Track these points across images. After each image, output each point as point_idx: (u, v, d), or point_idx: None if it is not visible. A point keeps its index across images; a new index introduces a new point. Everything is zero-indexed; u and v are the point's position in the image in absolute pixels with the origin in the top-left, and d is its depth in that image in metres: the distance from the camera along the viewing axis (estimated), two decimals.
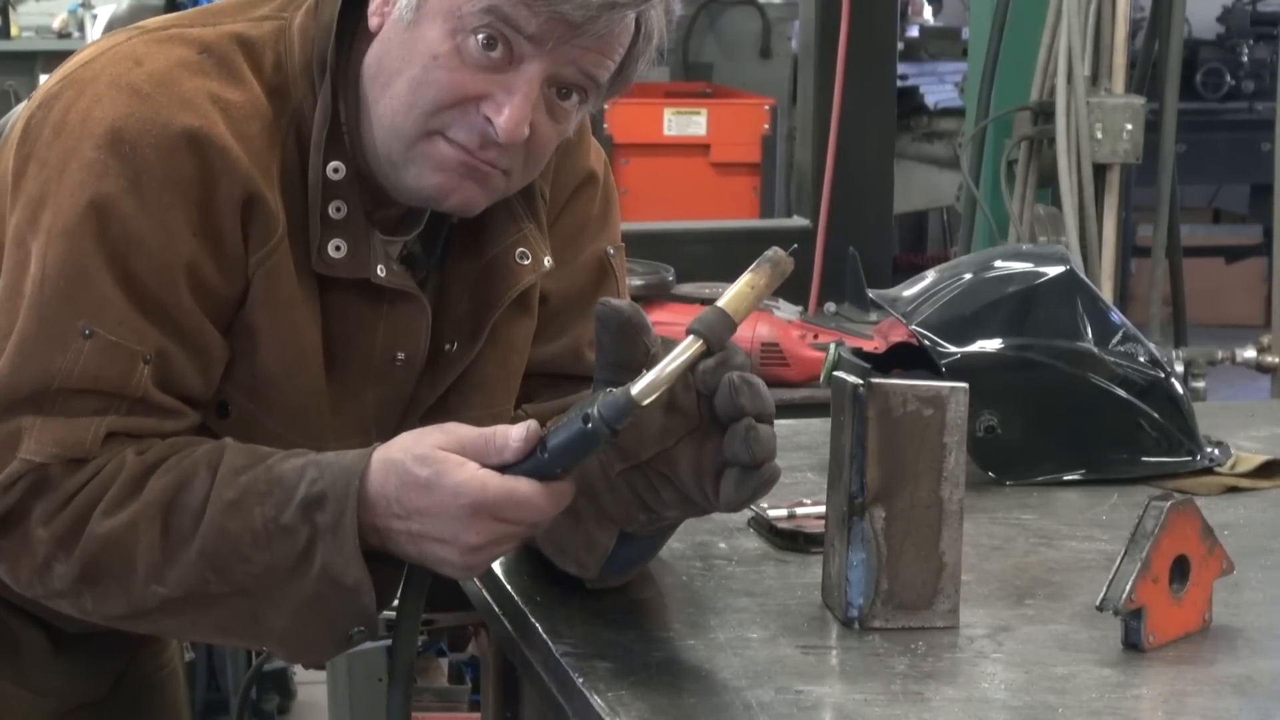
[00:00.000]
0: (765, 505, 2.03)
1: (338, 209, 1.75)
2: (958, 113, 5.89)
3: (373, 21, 1.74)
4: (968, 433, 1.75)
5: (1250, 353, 4.15)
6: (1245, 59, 8.14)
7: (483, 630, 2.13)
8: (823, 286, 4.06)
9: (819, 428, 2.16)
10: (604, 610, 1.79)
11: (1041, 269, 2.32)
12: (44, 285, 1.66)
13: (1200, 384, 4.13)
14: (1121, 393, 2.28)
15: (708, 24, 6.83)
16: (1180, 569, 1.74)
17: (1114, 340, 2.29)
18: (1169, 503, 1.72)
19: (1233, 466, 2.32)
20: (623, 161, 5.08)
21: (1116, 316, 2.33)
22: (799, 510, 2.03)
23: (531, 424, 1.61)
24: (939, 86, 6.92)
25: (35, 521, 1.66)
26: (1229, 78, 8.06)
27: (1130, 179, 4.22)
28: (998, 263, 2.39)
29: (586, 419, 1.57)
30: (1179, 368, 4.00)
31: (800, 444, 2.37)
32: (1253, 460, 2.33)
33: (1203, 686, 1.67)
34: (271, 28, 1.77)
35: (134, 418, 1.69)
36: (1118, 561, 1.71)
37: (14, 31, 8.47)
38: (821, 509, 1.88)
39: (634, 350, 1.61)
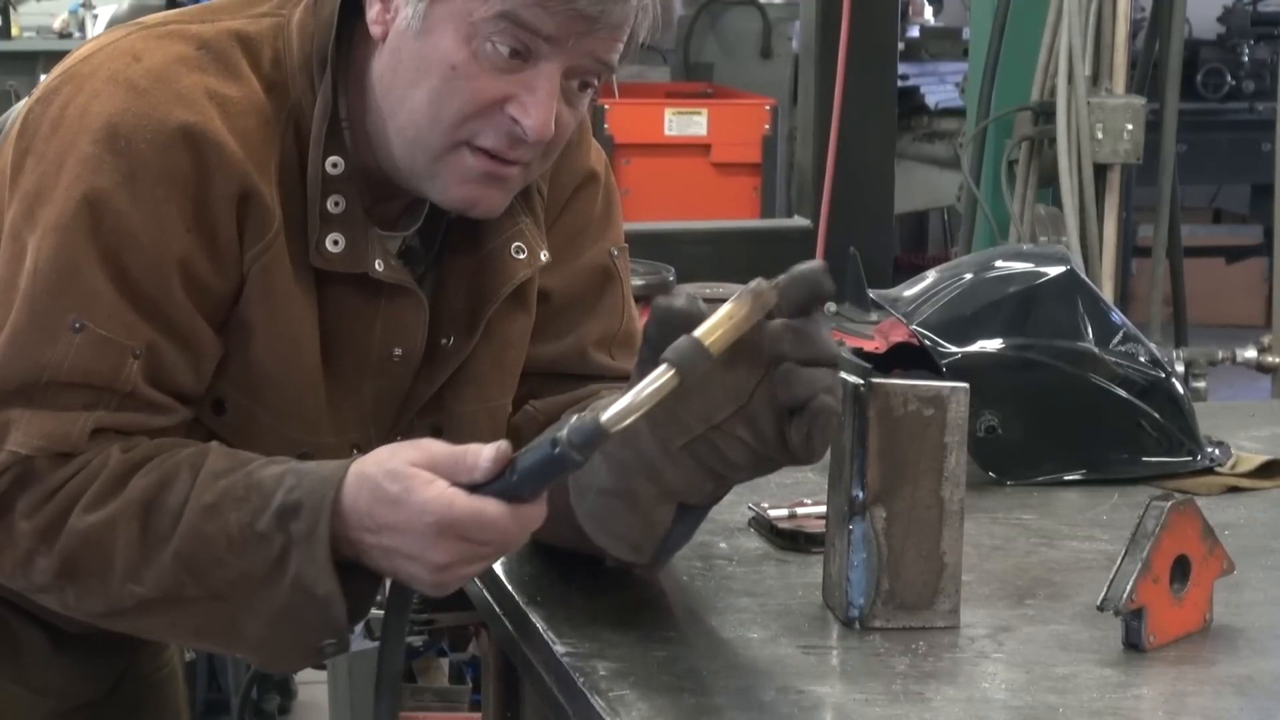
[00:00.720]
0: (766, 505, 2.03)
1: (336, 203, 1.75)
2: (958, 113, 5.90)
3: (374, 30, 1.73)
4: (968, 433, 1.75)
5: (1251, 353, 4.15)
6: (1246, 59, 8.14)
7: (483, 630, 2.13)
8: None
9: None
10: (604, 610, 1.79)
11: (1042, 269, 2.32)
12: (36, 278, 1.67)
13: (1201, 384, 4.13)
14: (1122, 393, 2.28)
15: (708, 24, 6.84)
16: (1181, 569, 1.74)
17: (1114, 340, 2.29)
18: (1170, 503, 1.72)
19: (1233, 466, 2.32)
20: (623, 161, 5.09)
21: (1117, 316, 2.33)
22: (799, 510, 2.03)
23: (502, 444, 1.60)
24: (939, 86, 6.93)
25: (19, 514, 1.66)
26: (1229, 78, 8.06)
27: (1131, 179, 4.22)
28: (998, 263, 2.38)
29: (555, 444, 1.55)
30: (1179, 368, 4.00)
31: None
32: (1253, 460, 2.33)
33: (1203, 686, 1.66)
34: (270, 24, 1.77)
35: (123, 413, 1.69)
36: (1118, 561, 1.71)
37: (14, 31, 8.47)
38: (822, 509, 1.87)
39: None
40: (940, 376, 2.14)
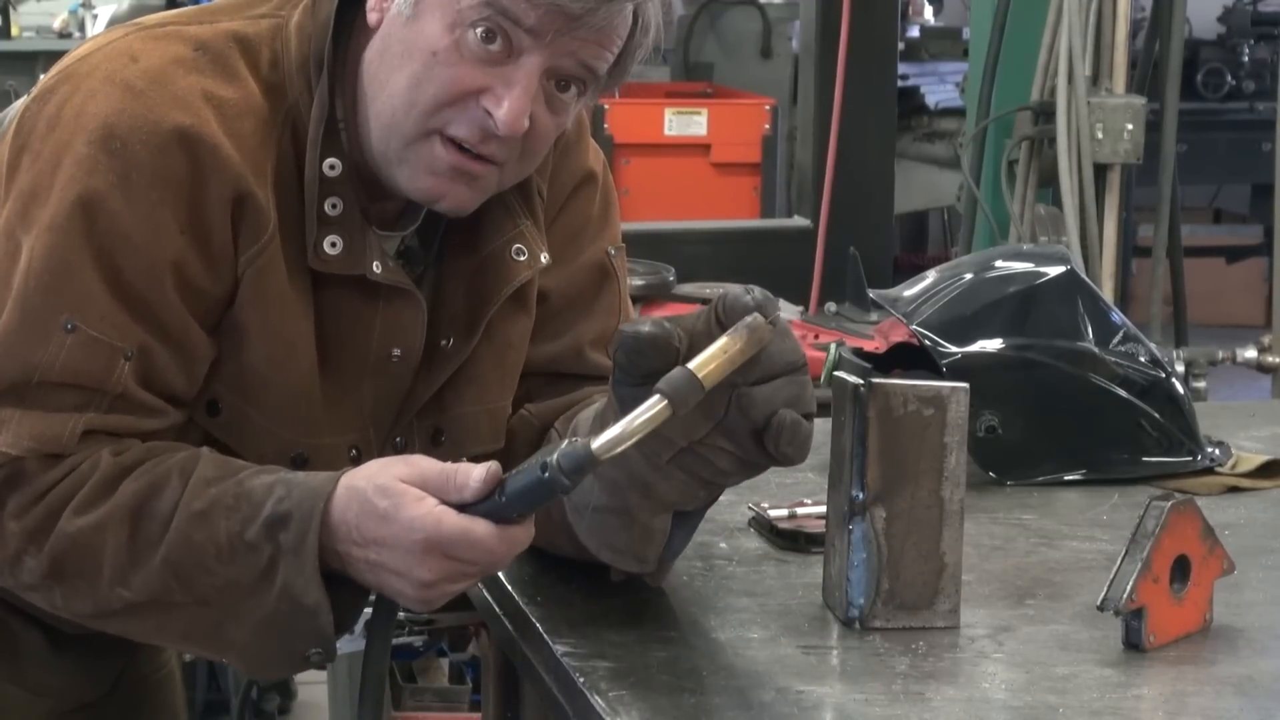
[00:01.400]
0: (766, 505, 2.03)
1: (333, 205, 1.75)
2: (958, 113, 5.90)
3: (371, 17, 1.74)
4: (968, 433, 1.75)
5: (1251, 353, 4.15)
6: (1246, 59, 8.14)
7: (483, 630, 2.13)
8: (823, 286, 4.06)
9: (819, 428, 2.16)
10: (604, 610, 1.79)
11: (1042, 269, 2.32)
12: (29, 278, 1.67)
13: (1201, 384, 4.13)
14: (1122, 393, 2.28)
15: (708, 24, 6.84)
16: (1181, 569, 1.74)
17: (1114, 340, 2.29)
18: (1170, 503, 1.72)
19: (1233, 466, 2.32)
20: (623, 161, 5.09)
21: (1117, 316, 2.33)
22: (799, 510, 2.03)
23: (492, 465, 1.61)
24: (939, 86, 6.93)
25: (8, 514, 1.67)
26: (1230, 78, 8.06)
27: (1131, 179, 4.22)
28: (998, 263, 2.38)
29: (545, 468, 1.56)
30: (1179, 368, 4.00)
31: None
32: (1253, 460, 2.33)
33: (1203, 686, 1.66)
34: (269, 25, 1.77)
35: (113, 415, 1.69)
36: (1118, 561, 1.71)
37: (14, 31, 8.46)
38: (822, 509, 1.87)
39: (661, 363, 1.59)
40: (940, 376, 2.14)
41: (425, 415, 1.86)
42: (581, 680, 1.64)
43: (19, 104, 1.80)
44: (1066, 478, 2.27)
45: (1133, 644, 1.71)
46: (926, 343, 2.25)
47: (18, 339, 1.67)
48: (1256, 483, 2.28)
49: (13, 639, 1.86)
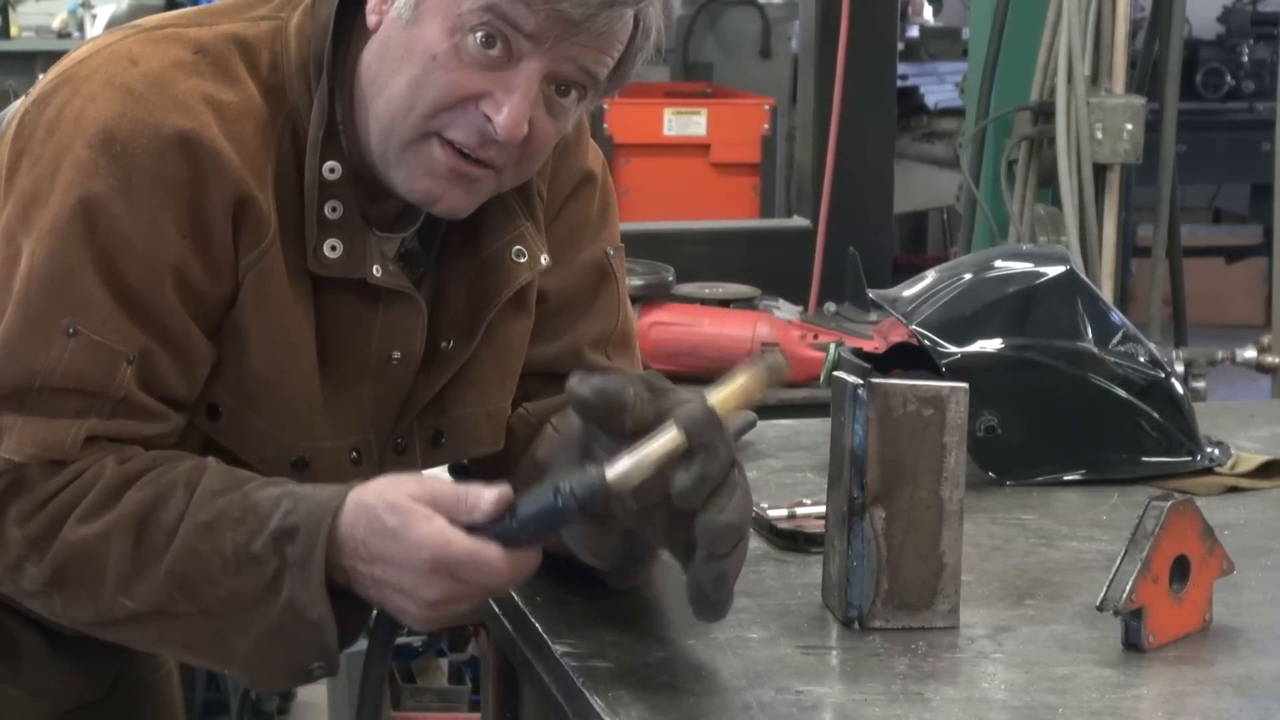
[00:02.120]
0: (766, 505, 2.03)
1: (333, 209, 1.75)
2: (958, 113, 5.90)
3: (371, 19, 1.74)
4: (968, 433, 1.75)
5: (1250, 353, 4.15)
6: (1245, 59, 8.14)
7: (483, 630, 2.13)
8: (823, 286, 4.06)
9: (819, 428, 2.16)
10: (604, 610, 1.79)
11: (1041, 269, 2.32)
12: (30, 282, 1.67)
13: (1200, 384, 4.13)
14: (1121, 393, 2.28)
15: (708, 24, 6.84)
16: (1180, 569, 1.74)
17: (1114, 340, 2.29)
18: (1169, 503, 1.72)
19: (1233, 466, 2.32)
20: (623, 161, 5.08)
21: (1116, 316, 2.33)
22: (799, 510, 2.03)
23: (504, 489, 1.61)
24: (939, 86, 6.93)
25: (10, 521, 1.66)
26: (1229, 78, 8.06)
27: (1130, 179, 4.22)
28: (998, 263, 2.38)
29: (558, 494, 1.56)
30: (1179, 368, 4.00)
31: (800, 444, 2.37)
32: (1253, 460, 2.33)
33: (1203, 687, 1.66)
34: (268, 27, 1.77)
35: (115, 420, 1.68)
36: (1118, 561, 1.71)
37: (14, 31, 8.47)
38: (821, 509, 1.87)
39: (610, 425, 1.60)
40: (940, 376, 2.14)
41: (425, 417, 1.86)
42: (581, 680, 1.64)
43: (16, 106, 1.80)
44: (1066, 478, 2.27)
45: (1132, 644, 1.71)
46: (926, 343, 2.25)
47: (19, 343, 1.66)
48: (1256, 483, 2.28)
49: (11, 640, 1.86)
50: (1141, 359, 2.29)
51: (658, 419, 1.58)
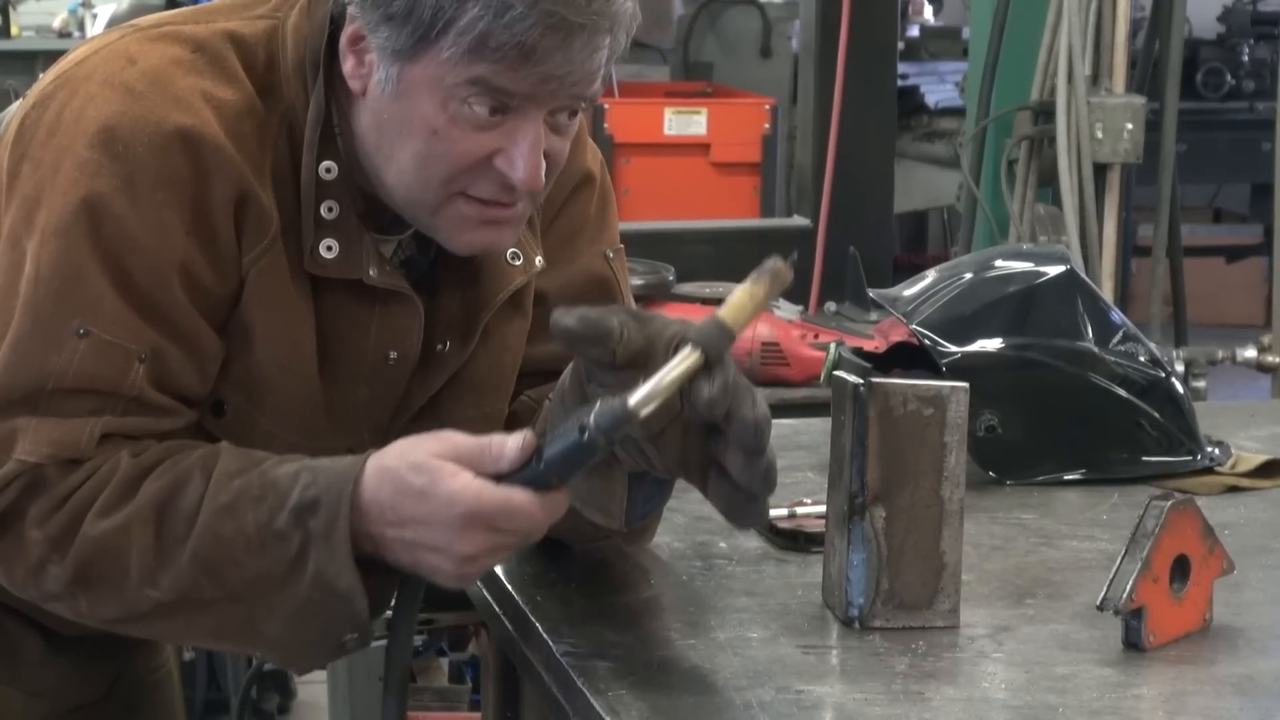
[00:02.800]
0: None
1: (330, 209, 1.75)
2: (958, 112, 5.89)
3: (353, 85, 1.72)
4: (968, 432, 1.75)
5: (1250, 352, 4.15)
6: (1246, 59, 8.14)
7: (483, 630, 2.13)
8: (823, 286, 4.06)
9: (819, 428, 2.16)
10: (604, 610, 1.79)
11: (1042, 269, 2.32)
12: (38, 285, 1.66)
13: (1200, 384, 4.13)
14: (1122, 392, 2.28)
15: (708, 24, 6.83)
16: (1181, 568, 1.74)
17: (1114, 340, 2.29)
18: (1169, 502, 1.72)
19: (1233, 466, 2.32)
20: (623, 161, 5.08)
21: (1117, 316, 2.33)
22: (799, 510, 2.03)
23: (527, 434, 1.60)
24: (939, 86, 6.92)
25: (30, 523, 1.65)
26: (1229, 77, 8.05)
27: (1131, 179, 4.22)
28: (998, 262, 2.38)
29: (583, 430, 1.55)
30: (1179, 367, 4.00)
31: (800, 444, 2.37)
32: (1253, 460, 2.33)
33: (1203, 686, 1.66)
34: (265, 26, 1.77)
35: (129, 418, 1.68)
36: (1118, 561, 1.71)
37: (14, 31, 8.47)
38: (822, 509, 1.87)
39: (598, 354, 1.60)
40: (940, 376, 2.14)
41: (421, 419, 1.86)
42: (581, 680, 1.63)
43: (15, 109, 1.80)
44: (1066, 477, 2.27)
45: (1132, 644, 1.71)
46: (926, 342, 2.25)
47: (30, 346, 1.66)
48: (1256, 482, 2.28)
49: (10, 641, 1.86)
50: (1141, 359, 2.29)
51: (646, 344, 1.59)
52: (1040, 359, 2.26)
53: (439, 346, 1.84)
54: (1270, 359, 4.12)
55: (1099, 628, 1.75)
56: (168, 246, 1.67)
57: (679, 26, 6.91)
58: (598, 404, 1.55)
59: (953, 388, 1.74)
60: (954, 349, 2.24)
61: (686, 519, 2.02)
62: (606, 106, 5.07)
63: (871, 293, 2.43)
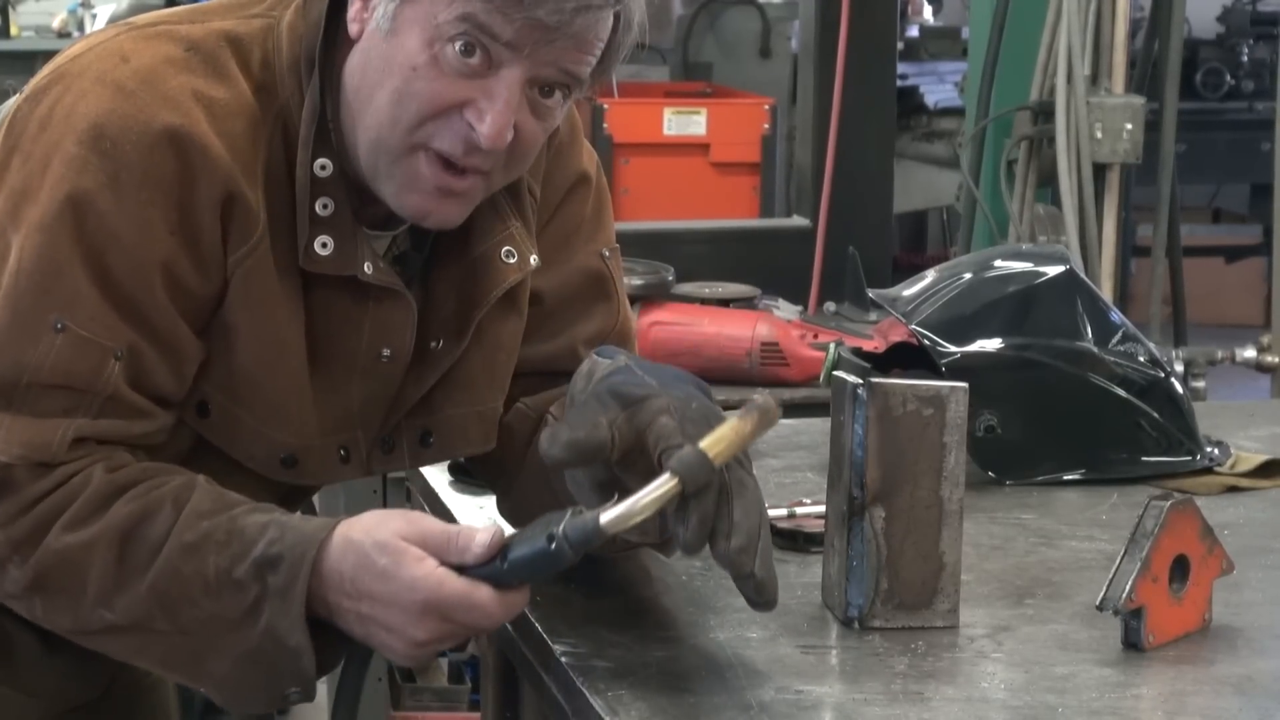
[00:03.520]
0: (766, 505, 2.03)
1: (325, 206, 1.75)
2: (958, 112, 5.89)
3: (352, 28, 1.73)
4: (968, 432, 1.75)
5: (1250, 353, 4.15)
6: (1245, 59, 8.14)
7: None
8: (823, 286, 4.06)
9: (819, 428, 2.16)
10: (604, 610, 1.79)
11: (1041, 269, 2.32)
12: (19, 278, 1.67)
13: (1200, 384, 4.13)
14: (1121, 392, 2.28)
15: (708, 24, 6.83)
16: (1180, 568, 1.74)
17: (1114, 340, 2.29)
18: (1169, 502, 1.72)
19: (1233, 466, 2.32)
20: (623, 161, 5.08)
21: (1116, 316, 2.33)
22: (799, 510, 2.03)
23: (496, 531, 1.61)
24: (939, 86, 6.92)
25: None
26: (1229, 77, 8.06)
27: (1130, 179, 4.22)
28: (997, 262, 2.38)
29: (551, 539, 1.56)
30: (1179, 367, 3.99)
31: (800, 444, 2.37)
32: (1253, 460, 2.33)
33: (1203, 686, 1.66)
34: (261, 25, 1.77)
35: (103, 420, 1.68)
36: (1117, 561, 1.71)
37: (14, 31, 8.47)
38: (821, 509, 1.87)
39: (596, 469, 1.63)
40: (939, 376, 2.13)
41: (414, 416, 1.86)
42: (581, 680, 1.63)
43: (10, 103, 1.80)
44: (1066, 477, 2.27)
45: (1132, 644, 1.71)
46: (925, 342, 2.25)
47: (7, 339, 1.66)
48: (1256, 482, 2.28)
49: (7, 641, 1.85)
50: (1141, 359, 2.29)
51: (638, 438, 1.61)
52: (1040, 359, 2.26)
53: (432, 344, 1.84)
54: (1269, 359, 4.12)
55: (1098, 628, 1.75)
56: (150, 245, 1.68)
57: (678, 26, 6.90)
58: (568, 515, 1.57)
59: (952, 388, 1.74)
60: (953, 349, 2.24)
61: None
62: (606, 106, 5.07)
63: (871, 293, 2.43)
